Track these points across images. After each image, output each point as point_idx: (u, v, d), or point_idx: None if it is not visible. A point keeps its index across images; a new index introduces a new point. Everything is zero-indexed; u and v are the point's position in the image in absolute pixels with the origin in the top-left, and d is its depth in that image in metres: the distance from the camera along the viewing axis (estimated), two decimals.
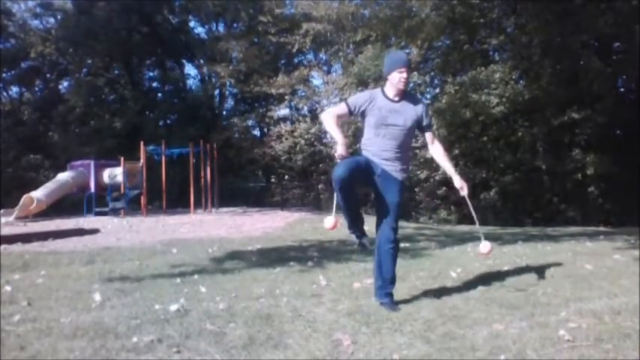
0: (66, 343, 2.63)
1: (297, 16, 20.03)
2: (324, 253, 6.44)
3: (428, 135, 3.53)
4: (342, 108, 3.45)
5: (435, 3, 13.91)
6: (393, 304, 3.31)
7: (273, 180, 22.69)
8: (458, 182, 3.50)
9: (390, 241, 3.36)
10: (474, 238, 8.26)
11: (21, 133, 22.52)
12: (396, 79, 3.33)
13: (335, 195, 3.27)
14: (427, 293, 3.74)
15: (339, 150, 3.14)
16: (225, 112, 26.32)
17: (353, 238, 3.59)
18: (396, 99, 3.38)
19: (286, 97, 20.97)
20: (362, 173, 3.30)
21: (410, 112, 3.39)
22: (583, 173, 14.69)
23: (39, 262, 5.84)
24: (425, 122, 3.47)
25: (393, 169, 3.38)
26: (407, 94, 3.47)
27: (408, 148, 3.52)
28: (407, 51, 16.00)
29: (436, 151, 3.55)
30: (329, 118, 3.37)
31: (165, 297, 3.70)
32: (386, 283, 3.39)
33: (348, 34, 16.89)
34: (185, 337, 2.72)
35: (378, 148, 3.37)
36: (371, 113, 3.38)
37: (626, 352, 2.44)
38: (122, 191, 15.32)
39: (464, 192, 3.49)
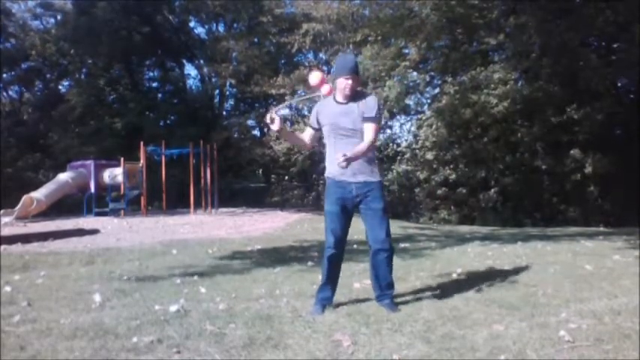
0: (66, 344, 2.63)
1: (297, 16, 20.07)
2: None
3: (366, 126, 3.24)
4: (308, 130, 3.56)
5: (435, 3, 13.90)
6: (393, 305, 3.31)
7: (272, 180, 22.69)
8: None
9: (384, 249, 3.30)
10: (474, 238, 8.28)
11: (21, 133, 22.50)
12: (341, 85, 3.28)
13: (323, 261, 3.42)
14: (427, 293, 3.74)
15: (275, 125, 3.27)
16: (225, 113, 26.34)
17: (314, 303, 3.32)
18: (344, 101, 3.32)
19: (286, 97, 20.96)
20: (348, 222, 3.36)
21: (356, 110, 3.29)
22: (583, 173, 14.69)
23: (39, 263, 5.84)
24: (367, 114, 3.25)
25: (367, 173, 3.31)
26: (356, 93, 3.34)
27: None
28: (406, 51, 16.03)
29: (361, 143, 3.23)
30: (303, 138, 3.58)
31: (165, 297, 3.70)
32: (383, 290, 3.37)
33: (348, 34, 16.88)
34: (185, 337, 2.72)
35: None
36: (324, 122, 3.37)
37: (626, 352, 2.44)
38: (122, 192, 15.32)
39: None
